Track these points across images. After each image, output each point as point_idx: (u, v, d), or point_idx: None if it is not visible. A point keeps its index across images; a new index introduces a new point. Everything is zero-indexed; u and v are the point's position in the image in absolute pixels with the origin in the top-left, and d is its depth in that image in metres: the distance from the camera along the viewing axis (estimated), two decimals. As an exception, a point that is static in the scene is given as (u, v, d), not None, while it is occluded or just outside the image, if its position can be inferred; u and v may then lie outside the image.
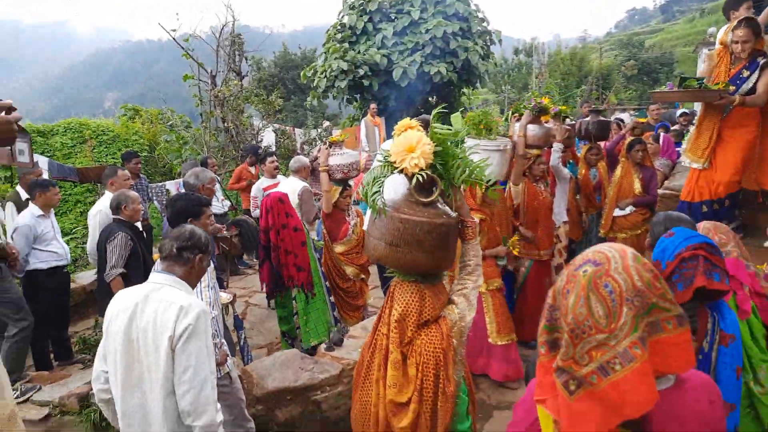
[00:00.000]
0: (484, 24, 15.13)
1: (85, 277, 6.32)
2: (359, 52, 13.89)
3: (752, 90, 3.97)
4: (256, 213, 5.80)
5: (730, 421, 1.94)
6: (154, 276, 2.17)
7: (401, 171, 1.99)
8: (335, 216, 4.70)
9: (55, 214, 4.90)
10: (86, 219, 6.86)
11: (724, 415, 1.30)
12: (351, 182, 5.10)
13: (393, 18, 14.52)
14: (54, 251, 4.60)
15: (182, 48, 9.32)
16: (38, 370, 4.58)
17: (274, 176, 6.16)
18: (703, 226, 2.62)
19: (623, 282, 1.18)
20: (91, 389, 3.62)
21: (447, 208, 2.07)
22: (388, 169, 2.05)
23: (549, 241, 4.69)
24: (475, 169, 2.01)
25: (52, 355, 4.83)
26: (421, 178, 1.97)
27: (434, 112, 4.09)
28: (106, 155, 12.45)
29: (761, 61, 3.90)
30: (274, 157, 6.23)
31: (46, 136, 12.49)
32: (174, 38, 9.22)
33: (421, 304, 1.99)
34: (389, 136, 14.84)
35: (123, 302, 2.15)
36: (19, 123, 1.78)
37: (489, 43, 15.40)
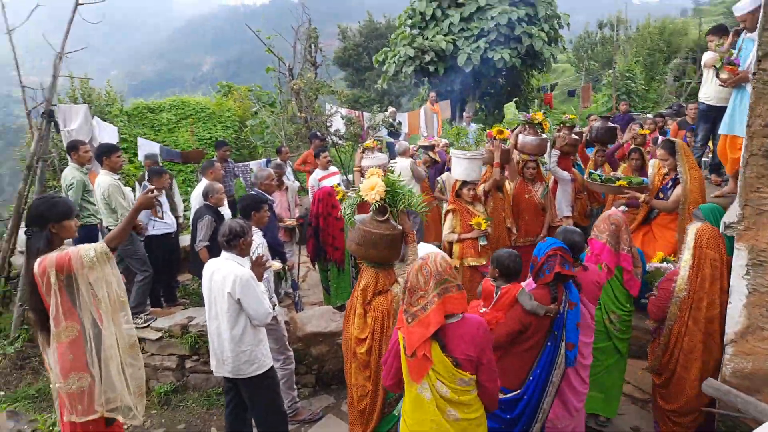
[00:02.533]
0: (552, 8, 15.39)
1: (186, 240, 8.05)
2: (426, 38, 14.82)
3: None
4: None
5: (571, 354, 3.11)
6: (223, 254, 3.58)
7: (365, 201, 3.24)
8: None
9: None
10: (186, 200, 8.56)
11: (488, 334, 2.50)
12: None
13: (461, 4, 15.19)
14: (165, 222, 6.24)
15: (264, 44, 10.82)
16: (153, 308, 6.30)
17: (326, 168, 7.45)
18: (600, 217, 3.81)
19: (432, 267, 2.45)
20: (190, 321, 5.23)
21: (395, 224, 3.29)
22: (357, 198, 3.31)
23: (526, 233, 5.65)
24: (412, 200, 3.22)
25: (162, 298, 6.57)
26: (377, 206, 3.21)
27: (506, 107, 5.19)
28: (203, 130, 14.38)
29: (678, 176, 4.75)
30: (327, 153, 7.47)
31: (155, 112, 14.48)
32: (259, 37, 10.73)
33: (376, 281, 3.25)
34: (454, 117, 15.77)
35: (207, 269, 3.60)
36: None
37: (557, 27, 15.68)
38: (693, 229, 3.58)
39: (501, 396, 3.02)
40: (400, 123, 12.51)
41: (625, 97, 19.41)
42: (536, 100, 18.55)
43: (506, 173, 5.63)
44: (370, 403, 3.28)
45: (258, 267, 3.64)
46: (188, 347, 5.15)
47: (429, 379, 2.42)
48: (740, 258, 2.90)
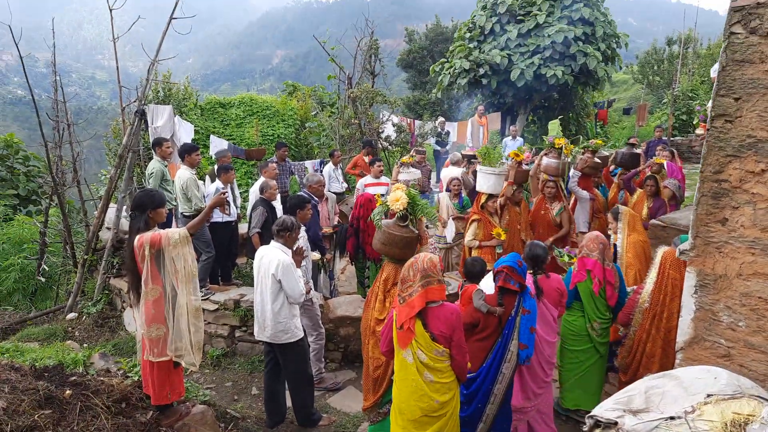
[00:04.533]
0: (612, 28, 15.48)
1: (243, 228, 9.07)
2: (482, 51, 15.31)
3: None
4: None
5: (523, 353, 3.74)
6: (272, 242, 4.43)
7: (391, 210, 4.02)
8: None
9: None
10: (246, 192, 9.47)
11: (460, 319, 3.22)
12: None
13: (520, 20, 15.57)
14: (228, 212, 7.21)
15: (328, 54, 11.76)
16: (211, 284, 7.28)
17: (378, 177, 7.85)
18: (586, 236, 4.38)
19: (420, 265, 3.20)
20: (241, 298, 6.16)
21: (413, 228, 4.05)
22: (385, 208, 4.10)
23: None
24: (427, 211, 3.98)
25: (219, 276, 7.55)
26: (400, 213, 3.98)
27: (551, 123, 5.89)
28: (267, 127, 15.54)
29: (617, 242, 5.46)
30: (381, 163, 8.07)
31: (225, 107, 15.76)
32: (323, 47, 11.68)
33: (395, 273, 4.00)
34: (504, 130, 16.22)
35: (259, 253, 4.49)
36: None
37: (615, 46, 15.77)
38: (660, 251, 4.15)
39: (463, 373, 3.73)
40: (448, 132, 13.18)
41: (684, 117, 19.20)
42: (590, 117, 18.69)
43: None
44: (383, 373, 4.04)
45: (297, 256, 4.47)
46: (238, 319, 6.09)
47: (412, 347, 3.19)
48: (690, 279, 3.43)
